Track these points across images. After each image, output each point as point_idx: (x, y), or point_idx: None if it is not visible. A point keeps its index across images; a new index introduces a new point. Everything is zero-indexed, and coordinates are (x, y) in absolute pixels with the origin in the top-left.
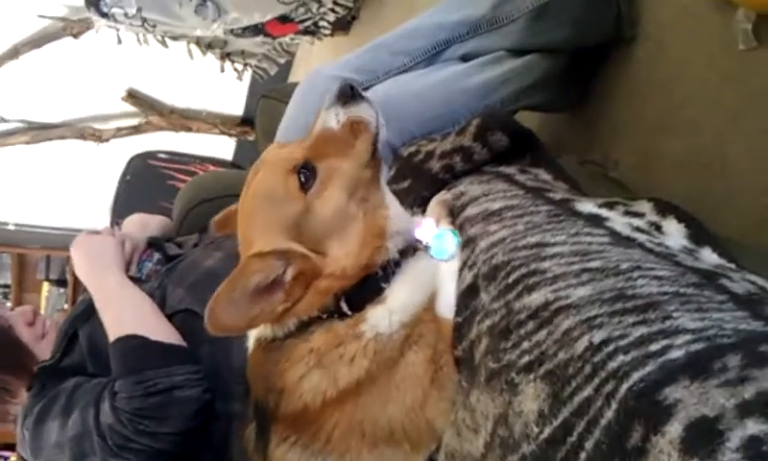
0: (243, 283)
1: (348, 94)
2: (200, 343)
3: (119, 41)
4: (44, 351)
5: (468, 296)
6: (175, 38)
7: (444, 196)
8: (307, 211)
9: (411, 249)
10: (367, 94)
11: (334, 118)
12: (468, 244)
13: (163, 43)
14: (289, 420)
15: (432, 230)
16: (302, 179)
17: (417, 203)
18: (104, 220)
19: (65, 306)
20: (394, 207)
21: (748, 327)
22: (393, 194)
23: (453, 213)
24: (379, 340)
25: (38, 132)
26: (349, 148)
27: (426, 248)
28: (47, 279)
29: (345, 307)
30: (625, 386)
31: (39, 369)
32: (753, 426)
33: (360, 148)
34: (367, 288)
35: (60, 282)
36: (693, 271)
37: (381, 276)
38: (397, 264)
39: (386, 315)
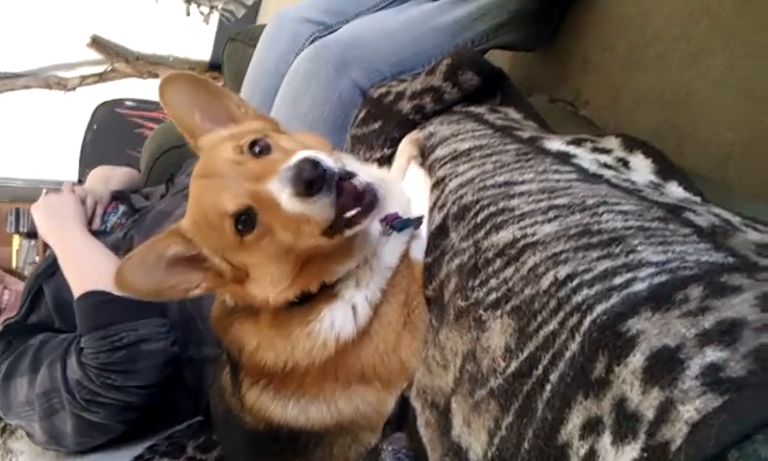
0: (156, 251)
1: (302, 187)
2: None
3: None
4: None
5: (437, 236)
6: None
7: (415, 135)
8: (236, 248)
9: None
10: (333, 167)
11: (284, 199)
12: (437, 185)
13: None
14: (256, 369)
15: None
16: (239, 226)
17: (387, 144)
18: (72, 170)
19: (37, 259)
20: (360, 252)
21: (710, 258)
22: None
23: (424, 153)
24: (343, 336)
25: (2, 81)
26: (294, 228)
27: (390, 230)
28: (17, 232)
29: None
30: (589, 319)
31: (6, 326)
32: (711, 354)
33: (305, 236)
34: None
35: (31, 235)
36: (658, 205)
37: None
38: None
39: (348, 314)
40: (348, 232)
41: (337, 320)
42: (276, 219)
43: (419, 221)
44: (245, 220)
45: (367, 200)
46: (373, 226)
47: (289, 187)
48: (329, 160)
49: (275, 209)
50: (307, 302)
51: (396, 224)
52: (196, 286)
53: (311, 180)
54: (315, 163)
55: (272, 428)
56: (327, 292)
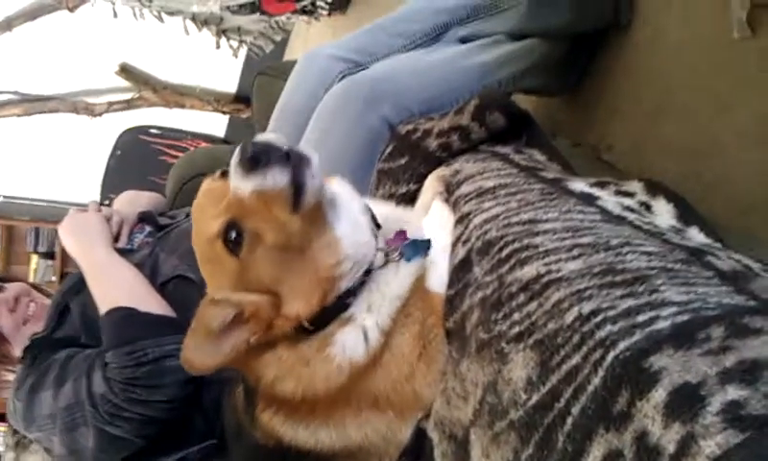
0: (204, 330)
1: (248, 163)
2: (192, 308)
3: (115, 15)
4: (27, 335)
5: (461, 270)
6: (171, 14)
7: (442, 171)
8: (244, 270)
9: (381, 260)
10: (281, 143)
11: (240, 185)
12: (462, 220)
13: (159, 18)
14: (270, 396)
15: (406, 238)
16: (229, 245)
17: (413, 179)
18: (94, 194)
19: (53, 279)
20: (348, 236)
21: (731, 300)
22: (381, 176)
23: (449, 189)
24: (355, 360)
25: (31, 104)
26: (267, 213)
27: (399, 256)
28: (35, 252)
29: (306, 324)
30: (612, 354)
31: (33, 341)
32: (733, 392)
33: (277, 215)
34: (329, 310)
35: (49, 255)
36: (681, 248)
37: (344, 295)
38: (363, 283)
39: (359, 338)
40: (304, 198)
41: (348, 343)
42: (255, 218)
43: (426, 245)
44: (233, 236)
45: (293, 160)
46: (347, 207)
47: (239, 171)
48: (273, 137)
49: (248, 208)
50: (323, 328)
51: (406, 253)
52: (249, 337)
53: (254, 153)
54: (256, 142)
55: (281, 447)
56: (341, 317)
